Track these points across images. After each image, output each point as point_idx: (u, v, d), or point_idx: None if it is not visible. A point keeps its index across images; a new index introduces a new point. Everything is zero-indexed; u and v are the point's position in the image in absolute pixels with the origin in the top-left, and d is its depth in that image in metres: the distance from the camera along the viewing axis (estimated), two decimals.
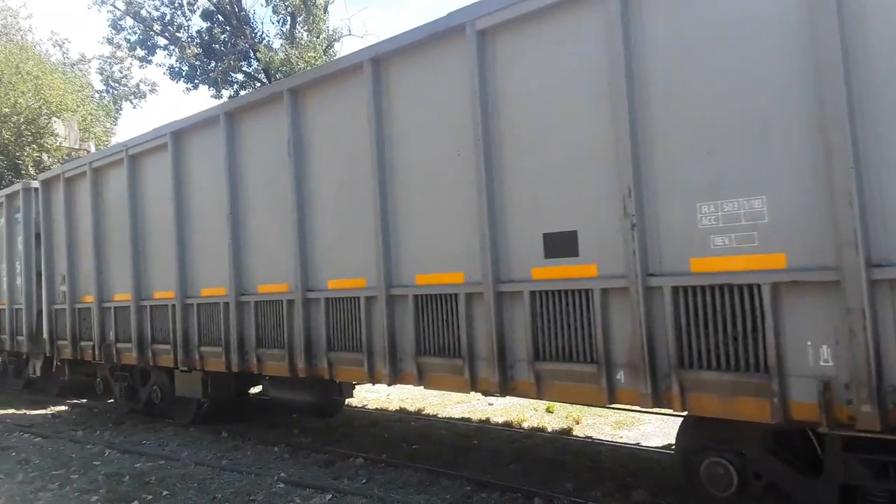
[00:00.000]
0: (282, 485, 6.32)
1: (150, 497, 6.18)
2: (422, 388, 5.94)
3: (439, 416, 9.23)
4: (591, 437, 7.59)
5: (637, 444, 7.23)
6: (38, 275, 11.53)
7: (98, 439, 8.76)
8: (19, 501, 6.19)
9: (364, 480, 6.36)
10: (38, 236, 11.59)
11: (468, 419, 8.81)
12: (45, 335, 11.30)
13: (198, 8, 30.24)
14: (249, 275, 7.57)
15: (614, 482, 5.85)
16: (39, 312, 11.59)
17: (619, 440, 7.48)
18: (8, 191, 12.93)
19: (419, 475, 6.39)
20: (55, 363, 11.48)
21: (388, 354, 5.94)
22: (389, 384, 6.08)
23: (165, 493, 6.30)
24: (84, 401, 11.84)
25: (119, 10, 30.21)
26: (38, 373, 12.25)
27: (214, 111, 7.92)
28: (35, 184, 12.02)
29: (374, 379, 6.23)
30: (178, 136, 8.42)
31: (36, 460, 7.73)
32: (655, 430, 7.69)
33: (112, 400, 10.96)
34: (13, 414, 11.09)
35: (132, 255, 9.10)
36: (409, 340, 5.84)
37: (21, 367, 13.25)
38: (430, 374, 5.75)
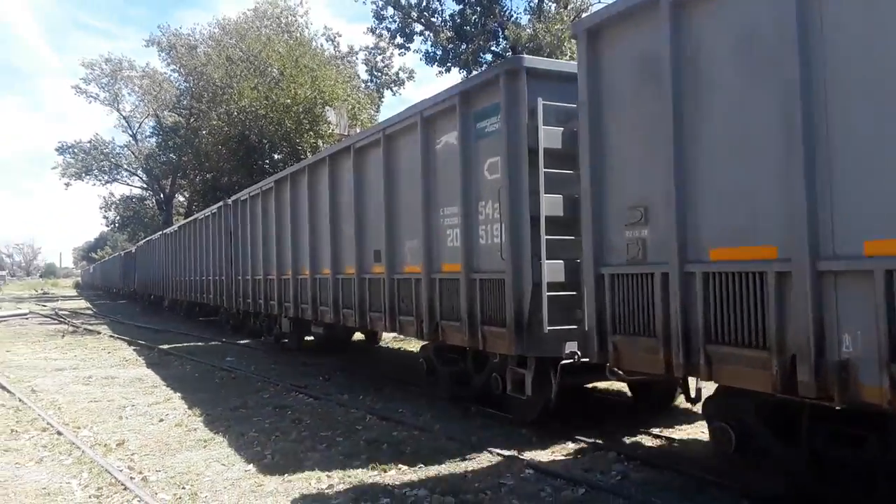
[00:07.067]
0: (531, 471, 6.06)
1: (405, 468, 6.30)
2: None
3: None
4: None
5: None
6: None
7: (361, 404, 9.29)
8: (291, 459, 6.67)
9: (618, 477, 5.86)
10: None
11: None
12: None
13: None
14: None
15: None
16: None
17: None
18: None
19: (681, 480, 5.71)
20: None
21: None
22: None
23: (420, 465, 6.38)
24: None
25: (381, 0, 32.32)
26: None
27: None
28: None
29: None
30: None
31: (307, 420, 8.38)
32: None
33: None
34: (291, 372, 12.30)
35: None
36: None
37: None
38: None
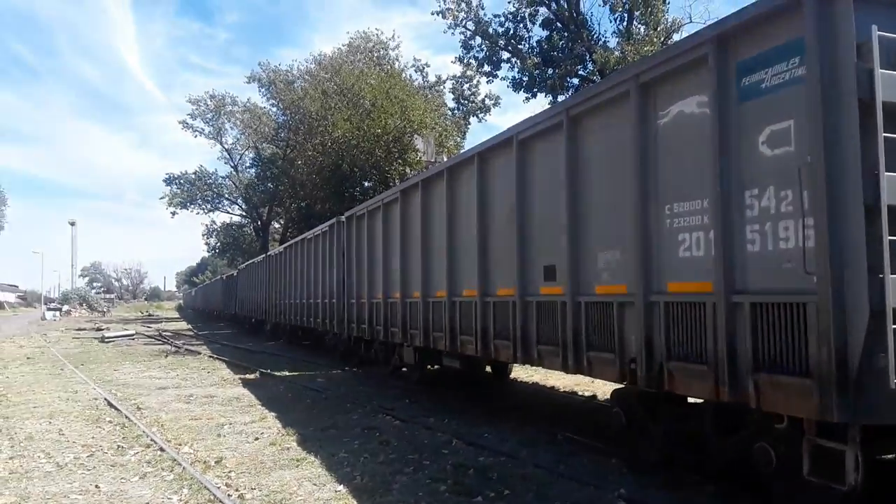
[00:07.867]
0: (622, 503, 5.88)
1: (492, 494, 6.24)
2: None
3: None
4: None
5: None
6: None
7: (447, 428, 9.30)
8: (379, 482, 6.73)
9: None
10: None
11: None
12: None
13: (538, 18, 31.45)
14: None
15: None
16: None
17: None
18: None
19: None
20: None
21: None
22: None
23: (507, 492, 6.30)
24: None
25: (469, 30, 32.89)
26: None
27: None
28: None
29: None
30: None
31: (395, 442, 8.45)
32: None
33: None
34: (379, 394, 12.45)
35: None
36: None
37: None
38: None
